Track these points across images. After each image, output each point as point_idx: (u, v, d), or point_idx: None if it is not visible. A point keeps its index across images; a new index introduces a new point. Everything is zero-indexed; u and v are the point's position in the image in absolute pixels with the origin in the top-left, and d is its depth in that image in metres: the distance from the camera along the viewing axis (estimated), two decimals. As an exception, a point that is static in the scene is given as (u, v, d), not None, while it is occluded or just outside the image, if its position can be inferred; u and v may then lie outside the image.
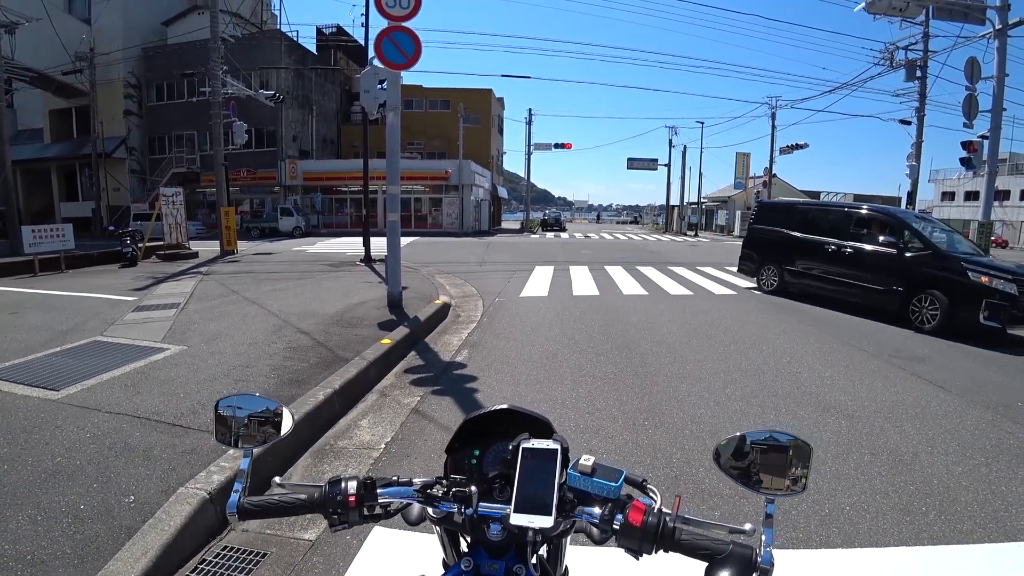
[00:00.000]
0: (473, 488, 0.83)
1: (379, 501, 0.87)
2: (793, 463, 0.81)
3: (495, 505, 0.83)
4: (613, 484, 0.81)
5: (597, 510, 0.80)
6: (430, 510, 0.86)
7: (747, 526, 0.78)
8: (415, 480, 0.89)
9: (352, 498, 0.84)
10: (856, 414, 4.00)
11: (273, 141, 31.28)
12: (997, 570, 2.28)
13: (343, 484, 0.86)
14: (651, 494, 0.84)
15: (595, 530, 0.80)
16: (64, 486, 2.70)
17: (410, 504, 0.88)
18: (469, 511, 0.82)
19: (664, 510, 0.79)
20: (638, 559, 0.79)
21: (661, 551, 0.77)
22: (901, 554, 2.32)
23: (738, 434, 0.84)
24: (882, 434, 3.64)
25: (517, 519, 0.77)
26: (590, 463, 0.82)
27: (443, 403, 4.21)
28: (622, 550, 0.79)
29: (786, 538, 2.41)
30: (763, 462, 0.82)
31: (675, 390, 4.49)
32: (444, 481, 0.88)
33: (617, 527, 0.78)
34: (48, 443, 3.16)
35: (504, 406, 0.95)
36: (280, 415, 0.97)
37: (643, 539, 0.76)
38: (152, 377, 4.32)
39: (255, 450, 0.96)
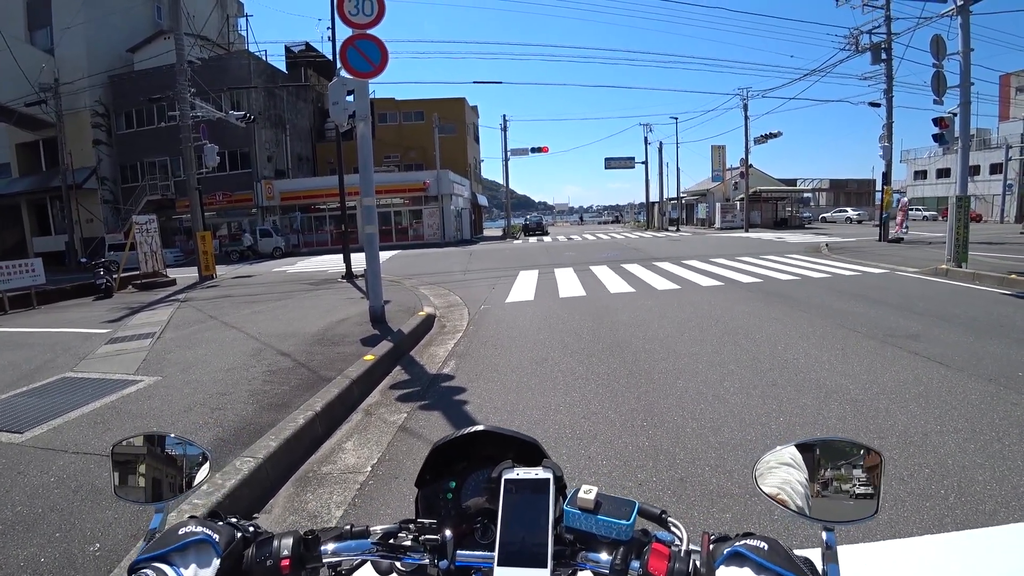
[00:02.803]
0: (448, 533, 0.66)
1: (324, 561, 0.68)
2: (857, 477, 0.64)
3: (477, 553, 0.66)
4: (624, 522, 0.62)
5: (605, 556, 0.62)
6: (398, 564, 0.68)
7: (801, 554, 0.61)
8: (374, 528, 0.70)
9: (285, 562, 0.65)
10: (859, 398, 3.89)
11: (247, 162, 30.89)
12: (1026, 553, 2.16)
13: (275, 544, 0.67)
14: (673, 528, 0.66)
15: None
16: (23, 538, 2.49)
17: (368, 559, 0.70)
18: (444, 563, 0.65)
19: (693, 549, 0.62)
20: None
21: None
22: (926, 543, 2.19)
23: (780, 447, 0.68)
24: (888, 416, 3.52)
25: (503, 574, 0.60)
26: (592, 496, 0.64)
27: (431, 418, 4.03)
28: None
29: (803, 536, 2.27)
30: (817, 480, 0.65)
31: (672, 387, 4.35)
32: (411, 526, 0.69)
33: None
34: (8, 491, 2.94)
35: (480, 427, 0.77)
36: (199, 456, 0.79)
37: None
38: (124, 412, 4.09)
39: (170, 503, 0.77)
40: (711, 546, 0.60)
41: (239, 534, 0.65)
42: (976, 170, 37.38)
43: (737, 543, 0.58)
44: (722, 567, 0.57)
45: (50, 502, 2.79)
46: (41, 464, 3.24)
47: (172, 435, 0.80)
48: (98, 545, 2.41)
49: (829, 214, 45.76)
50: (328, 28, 14.13)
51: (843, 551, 2.12)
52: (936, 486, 2.62)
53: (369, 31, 6.50)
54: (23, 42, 27.72)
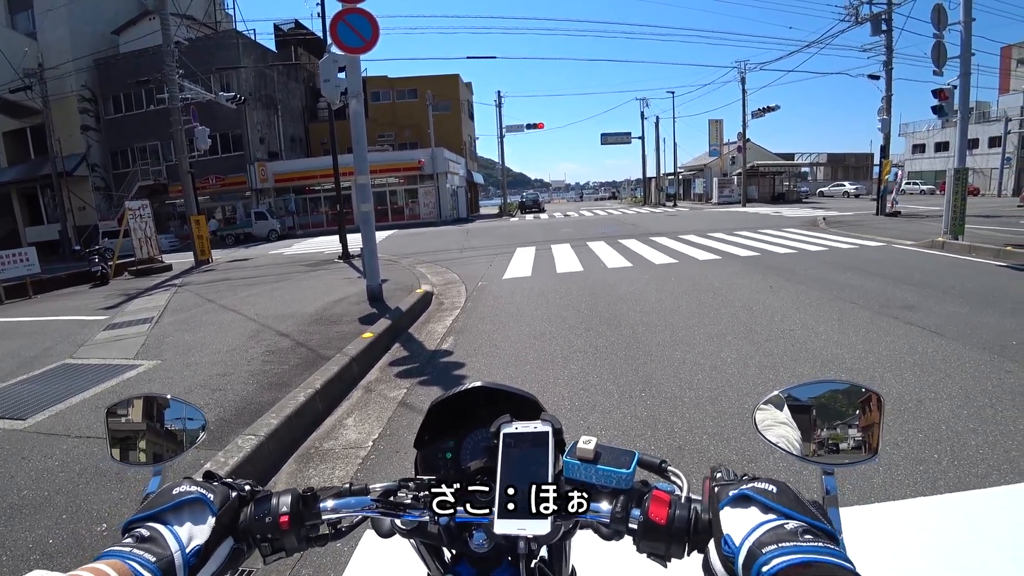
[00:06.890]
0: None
1: (324, 519, 0.68)
2: (857, 420, 0.63)
3: (477, 508, 0.66)
4: (624, 471, 0.62)
5: (605, 506, 0.62)
6: (397, 522, 0.68)
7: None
8: (373, 486, 0.70)
9: (285, 519, 0.65)
10: (855, 367, 3.93)
11: (240, 145, 30.49)
12: (1018, 512, 2.20)
13: (273, 501, 0.67)
14: (673, 478, 0.66)
15: (604, 528, 0.63)
16: (31, 520, 2.52)
17: (368, 517, 0.70)
18: (444, 519, 0.65)
19: (693, 497, 0.62)
20: (666, 566, 0.61)
21: (696, 552, 0.59)
22: (919, 505, 2.23)
23: (776, 392, 0.66)
24: (883, 384, 3.56)
25: (503, 526, 0.60)
26: (591, 446, 0.64)
27: (431, 393, 4.05)
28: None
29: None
30: (817, 423, 0.64)
31: (669, 358, 4.38)
32: (411, 484, 0.70)
33: (635, 526, 0.60)
34: (14, 476, 2.97)
35: (478, 383, 0.78)
36: (195, 417, 0.79)
37: (672, 539, 0.58)
38: (124, 396, 4.09)
39: (165, 464, 0.75)
40: (716, 489, 0.59)
41: (234, 493, 0.66)
42: (975, 143, 37.07)
43: (744, 486, 0.57)
44: (727, 508, 0.56)
45: (55, 485, 2.82)
46: (45, 449, 3.26)
47: (169, 395, 0.80)
48: (105, 525, 2.44)
49: (827, 188, 45.54)
50: (317, 4, 13.86)
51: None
52: (930, 450, 2.67)
53: (360, 4, 6.37)
54: (4, 26, 27.15)
